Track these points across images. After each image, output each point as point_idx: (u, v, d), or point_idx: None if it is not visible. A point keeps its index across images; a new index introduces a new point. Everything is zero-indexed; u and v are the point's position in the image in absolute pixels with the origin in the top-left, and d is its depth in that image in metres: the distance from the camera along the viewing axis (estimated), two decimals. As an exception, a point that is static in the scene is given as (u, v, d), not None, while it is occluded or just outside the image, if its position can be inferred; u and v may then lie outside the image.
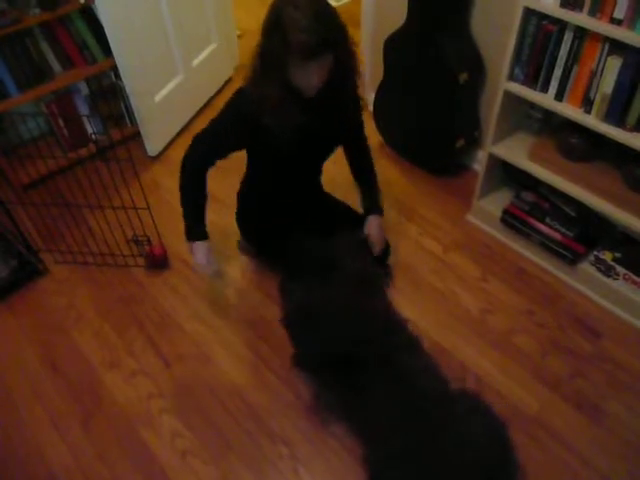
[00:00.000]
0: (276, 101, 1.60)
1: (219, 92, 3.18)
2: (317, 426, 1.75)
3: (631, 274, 1.96)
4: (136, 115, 2.60)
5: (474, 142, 2.50)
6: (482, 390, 1.82)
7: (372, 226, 1.98)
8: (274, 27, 1.48)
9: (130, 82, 2.48)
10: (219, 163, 1.80)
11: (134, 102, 2.55)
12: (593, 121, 1.77)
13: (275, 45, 1.49)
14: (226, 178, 2.12)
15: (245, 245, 2.24)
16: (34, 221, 2.24)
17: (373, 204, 2.03)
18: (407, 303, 2.08)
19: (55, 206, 2.28)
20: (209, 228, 1.83)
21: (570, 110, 1.81)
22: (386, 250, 2.07)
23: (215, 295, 2.15)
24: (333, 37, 1.51)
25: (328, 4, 1.53)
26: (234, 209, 2.10)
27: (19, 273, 2.19)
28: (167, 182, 2.63)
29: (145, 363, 1.93)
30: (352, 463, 1.65)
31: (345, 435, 1.71)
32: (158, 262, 2.22)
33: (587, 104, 1.76)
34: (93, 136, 2.50)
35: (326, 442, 1.71)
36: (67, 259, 2.28)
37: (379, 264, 2.05)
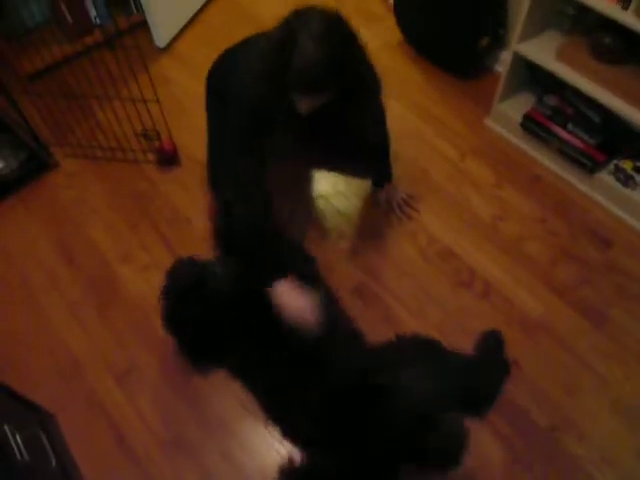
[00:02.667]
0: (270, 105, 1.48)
1: (230, -20, 2.99)
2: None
3: (650, 184, 1.92)
4: (142, 1, 2.46)
5: (499, 41, 2.36)
6: (489, 294, 1.86)
7: (388, 194, 2.01)
8: (281, 45, 1.33)
9: (135, -36, 2.32)
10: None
11: (140, -13, 2.40)
12: (630, 18, 1.65)
13: (277, 61, 1.35)
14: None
15: None
16: (42, 114, 2.18)
17: (385, 173, 1.98)
18: (420, 207, 2.07)
19: (62, 97, 2.22)
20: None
21: (606, 5, 1.69)
22: None
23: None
24: (338, 80, 1.38)
25: (350, 41, 1.39)
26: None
27: (29, 166, 2.18)
28: (176, 76, 2.54)
29: (157, 258, 1.96)
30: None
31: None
32: (168, 158, 2.19)
33: (626, -1, 1.64)
34: (97, 19, 2.38)
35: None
36: (76, 153, 2.25)
37: None
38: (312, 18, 1.32)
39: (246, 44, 1.68)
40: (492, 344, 1.71)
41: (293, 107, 1.48)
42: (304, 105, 1.46)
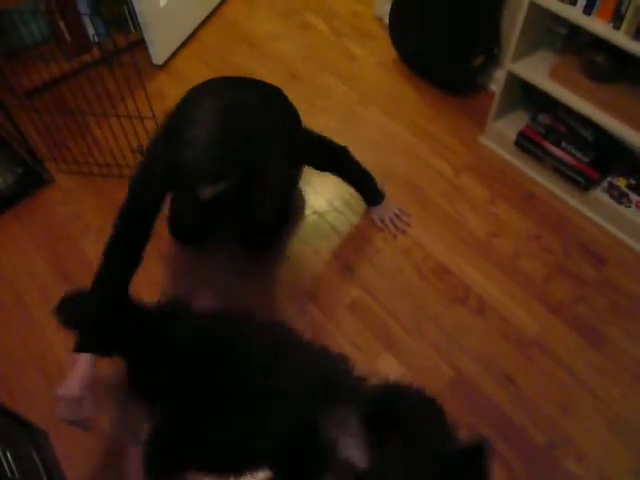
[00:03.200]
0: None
1: (225, 0, 3.02)
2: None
3: (644, 202, 1.93)
4: (140, 20, 2.48)
5: (493, 59, 2.39)
6: (484, 311, 1.85)
7: (379, 213, 2.05)
8: (172, 132, 1.27)
9: (134, -17, 2.35)
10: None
11: (138, 6, 2.42)
12: (622, 38, 1.67)
13: (168, 147, 1.29)
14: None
15: None
16: (38, 129, 2.19)
17: (373, 196, 2.03)
18: (415, 224, 2.08)
19: (59, 114, 2.23)
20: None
21: (598, 25, 1.71)
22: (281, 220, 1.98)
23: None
24: (230, 173, 1.28)
25: (242, 130, 1.26)
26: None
27: (25, 182, 2.18)
28: (172, 92, 2.55)
29: (152, 274, 1.95)
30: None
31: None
32: (164, 175, 2.19)
33: (617, 19, 1.66)
34: (95, 37, 2.40)
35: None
36: (72, 169, 2.25)
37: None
38: (205, 108, 1.24)
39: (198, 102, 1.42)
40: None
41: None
42: (204, 193, 1.33)
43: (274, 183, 1.40)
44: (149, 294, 1.52)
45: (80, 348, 1.34)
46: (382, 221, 2.05)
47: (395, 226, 2.05)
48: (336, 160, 1.86)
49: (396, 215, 2.06)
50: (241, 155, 1.27)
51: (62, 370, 1.74)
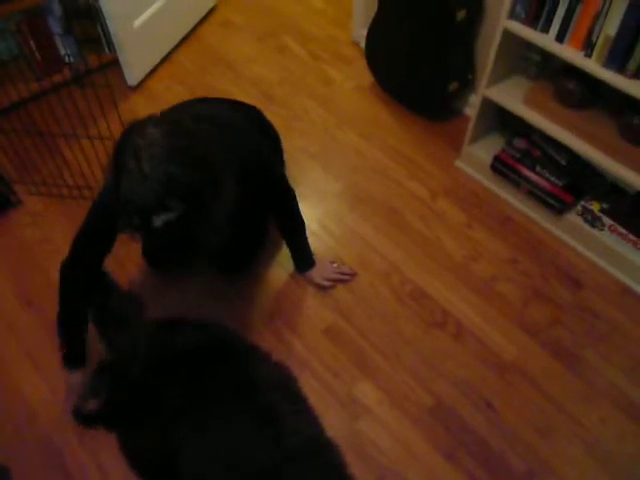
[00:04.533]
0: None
1: (202, 21, 3.01)
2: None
3: (617, 225, 1.95)
4: (114, 40, 2.45)
5: (468, 85, 2.42)
6: (462, 335, 1.84)
7: (320, 273, 1.94)
8: (115, 166, 1.23)
9: (108, 4, 2.32)
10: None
11: (112, 26, 2.40)
12: (593, 65, 1.70)
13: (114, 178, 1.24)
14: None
15: None
16: (5, 150, 2.13)
17: (305, 261, 1.94)
18: (391, 247, 2.06)
19: (27, 134, 2.17)
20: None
21: (570, 52, 1.74)
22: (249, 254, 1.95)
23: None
24: (175, 202, 1.22)
25: (185, 157, 1.22)
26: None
27: (-9, 204, 2.11)
28: (146, 113, 2.50)
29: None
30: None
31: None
32: (137, 197, 2.14)
33: (588, 47, 1.69)
34: (67, 58, 2.35)
35: (305, 382, 1.71)
36: (41, 191, 2.19)
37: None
38: (140, 138, 1.20)
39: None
40: None
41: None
42: (154, 221, 1.26)
43: (222, 210, 1.32)
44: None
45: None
46: (328, 279, 1.95)
47: (344, 274, 1.97)
48: (291, 211, 1.82)
49: (337, 266, 1.98)
50: (184, 182, 1.21)
51: (25, 402, 1.67)
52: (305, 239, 1.91)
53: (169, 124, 1.26)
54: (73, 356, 1.57)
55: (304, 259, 1.94)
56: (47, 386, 1.71)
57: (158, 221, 1.23)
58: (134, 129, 1.22)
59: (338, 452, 1.23)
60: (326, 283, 1.94)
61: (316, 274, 1.94)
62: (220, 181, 1.30)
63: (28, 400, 1.68)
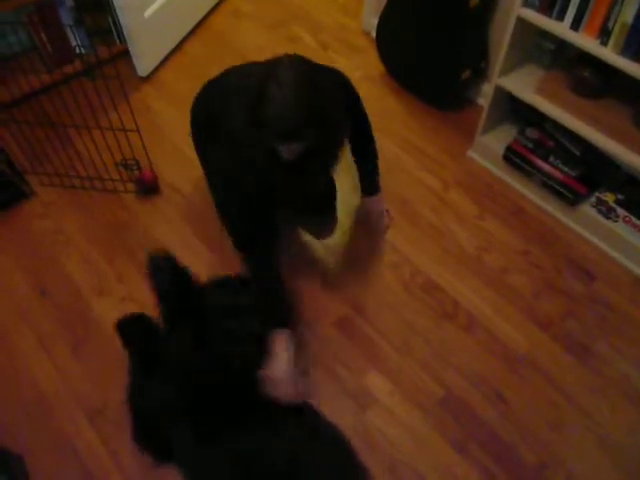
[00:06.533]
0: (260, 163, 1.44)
1: (213, 10, 3.00)
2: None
3: (632, 217, 1.92)
4: (124, 31, 2.45)
5: (480, 74, 2.39)
6: (473, 327, 1.83)
7: (373, 203, 1.94)
8: (254, 102, 1.31)
9: (118, -6, 2.32)
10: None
11: (122, 17, 2.39)
12: (609, 54, 1.67)
13: (250, 117, 1.35)
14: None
15: None
16: (18, 142, 2.14)
17: (372, 185, 1.94)
18: (403, 239, 2.05)
19: (40, 125, 2.18)
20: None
21: (585, 41, 1.71)
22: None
23: (205, 224, 2.10)
24: (312, 130, 1.31)
25: (318, 88, 1.33)
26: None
27: (4, 194, 2.11)
28: (157, 105, 2.52)
29: (134, 290, 1.91)
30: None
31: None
32: (148, 187, 2.15)
33: (604, 35, 1.66)
34: (78, 49, 2.35)
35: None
36: (54, 182, 2.20)
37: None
38: (282, 68, 1.29)
39: (227, 84, 1.69)
40: None
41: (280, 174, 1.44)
42: (287, 152, 1.37)
43: (339, 146, 1.45)
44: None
45: None
46: (370, 214, 1.95)
47: (379, 224, 1.96)
48: (367, 136, 1.90)
49: (384, 213, 1.97)
50: (319, 112, 1.31)
51: (37, 390, 1.69)
52: (377, 163, 1.94)
53: (292, 67, 1.32)
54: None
55: (372, 183, 1.94)
56: (60, 375, 1.72)
57: (288, 152, 1.33)
58: (268, 70, 1.30)
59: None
60: (367, 217, 1.97)
61: (378, 203, 1.94)
62: (342, 115, 1.43)
63: (41, 389, 1.70)
